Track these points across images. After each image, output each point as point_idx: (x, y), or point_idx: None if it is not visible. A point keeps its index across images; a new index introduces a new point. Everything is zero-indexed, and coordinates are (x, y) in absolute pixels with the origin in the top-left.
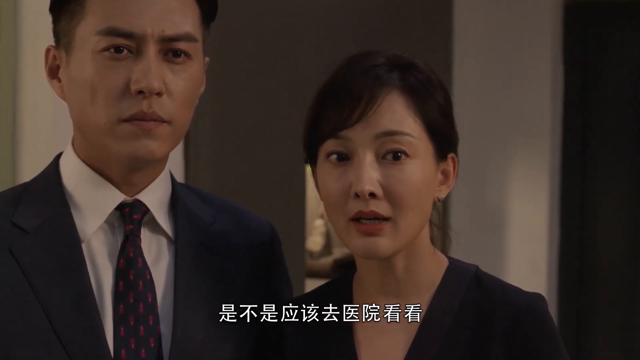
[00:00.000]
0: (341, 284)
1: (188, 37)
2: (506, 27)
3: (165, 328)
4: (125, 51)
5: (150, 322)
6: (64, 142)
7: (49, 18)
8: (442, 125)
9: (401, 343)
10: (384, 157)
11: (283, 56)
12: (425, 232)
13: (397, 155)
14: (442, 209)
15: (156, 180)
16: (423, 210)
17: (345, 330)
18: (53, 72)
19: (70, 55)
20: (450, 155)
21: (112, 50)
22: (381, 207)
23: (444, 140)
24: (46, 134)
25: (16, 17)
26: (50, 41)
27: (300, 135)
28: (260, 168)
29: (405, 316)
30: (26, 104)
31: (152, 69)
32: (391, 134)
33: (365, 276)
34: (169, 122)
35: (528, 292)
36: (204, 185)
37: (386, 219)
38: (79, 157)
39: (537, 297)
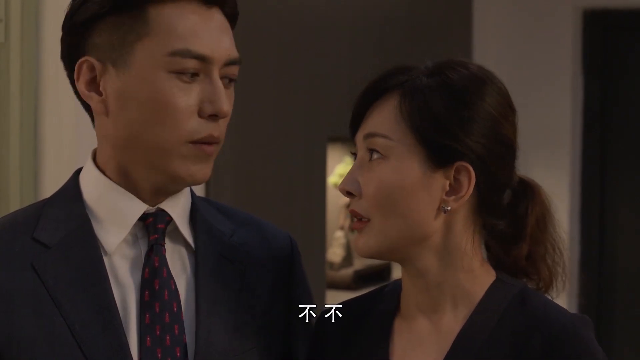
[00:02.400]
0: (394, 290)
1: (240, 61)
2: (526, 37)
3: (190, 338)
4: (193, 74)
5: (176, 331)
6: (87, 156)
7: None
8: (433, 133)
9: (434, 357)
10: (370, 158)
11: (304, 70)
12: (457, 244)
13: (371, 156)
14: (562, 242)
15: (180, 191)
16: (407, 214)
17: (382, 339)
18: (90, 85)
19: (125, 70)
20: (459, 164)
21: (186, 73)
22: (360, 207)
23: (439, 147)
24: (69, 148)
25: (38, 30)
26: None
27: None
28: (281, 180)
29: (441, 330)
30: (49, 118)
31: (223, 93)
32: (370, 135)
33: (405, 286)
34: (218, 144)
35: (572, 313)
36: (226, 198)
37: (367, 219)
38: (102, 171)
39: (582, 319)
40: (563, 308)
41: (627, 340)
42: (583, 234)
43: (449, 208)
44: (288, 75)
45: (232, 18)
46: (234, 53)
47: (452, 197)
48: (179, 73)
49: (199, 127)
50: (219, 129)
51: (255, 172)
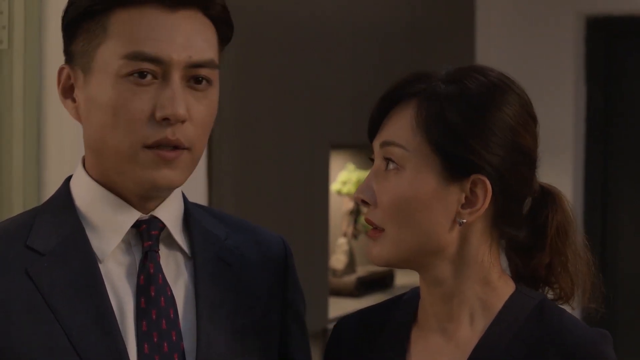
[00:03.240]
0: (411, 298)
1: (211, 64)
2: (528, 44)
3: (188, 343)
4: (150, 76)
5: (174, 338)
6: None
7: None
8: (448, 143)
9: None
10: (385, 166)
11: (307, 76)
12: (474, 255)
13: (387, 166)
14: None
15: (170, 197)
16: (421, 225)
17: (399, 351)
18: (67, 92)
19: (89, 76)
20: (475, 177)
21: (137, 75)
22: (374, 216)
23: (455, 159)
24: (71, 154)
25: (41, 36)
26: None
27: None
28: (283, 187)
29: (458, 342)
30: (51, 124)
31: (178, 96)
32: (386, 144)
33: (422, 295)
34: (189, 149)
35: (590, 328)
36: (228, 204)
37: (382, 228)
38: (92, 177)
39: (600, 334)
40: (581, 321)
41: (630, 345)
42: (585, 239)
43: (464, 221)
44: (291, 83)
45: (220, 22)
46: (199, 55)
47: (468, 210)
48: (134, 76)
49: (152, 131)
50: (180, 134)
51: (258, 179)
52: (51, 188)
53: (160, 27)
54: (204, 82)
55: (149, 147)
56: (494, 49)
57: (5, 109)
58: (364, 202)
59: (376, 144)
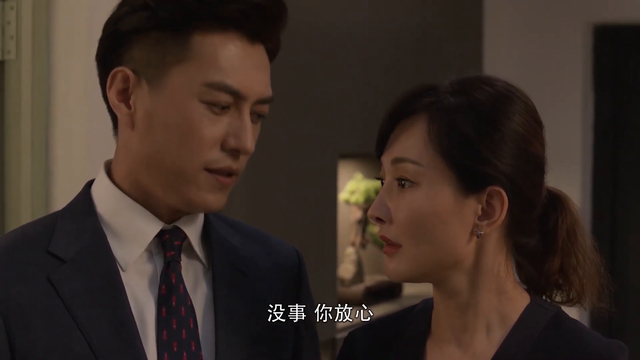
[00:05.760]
0: (424, 310)
1: (272, 100)
2: (536, 53)
3: (206, 354)
4: (224, 107)
5: (193, 348)
6: (97, 171)
7: (82, 47)
8: (464, 158)
9: None
10: (398, 184)
11: (315, 86)
12: (490, 266)
13: (401, 183)
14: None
15: None
16: (440, 240)
17: None
18: (121, 96)
19: (159, 90)
20: (491, 188)
21: (215, 105)
22: (390, 232)
23: (471, 172)
24: (80, 164)
25: (49, 47)
26: (84, 71)
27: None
28: (292, 196)
29: (474, 354)
30: (60, 134)
31: (250, 131)
32: (398, 161)
33: (436, 306)
34: (237, 176)
35: (608, 340)
36: (237, 213)
37: (399, 245)
38: (118, 185)
39: (617, 345)
40: (598, 334)
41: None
42: (593, 240)
43: (482, 232)
44: (299, 92)
45: (272, 55)
46: (267, 92)
47: (485, 222)
48: (211, 104)
49: (219, 158)
50: (238, 164)
51: (267, 188)
52: (59, 199)
53: (243, 59)
54: (260, 116)
55: (209, 170)
56: (502, 58)
57: (13, 119)
58: (378, 219)
59: (386, 160)
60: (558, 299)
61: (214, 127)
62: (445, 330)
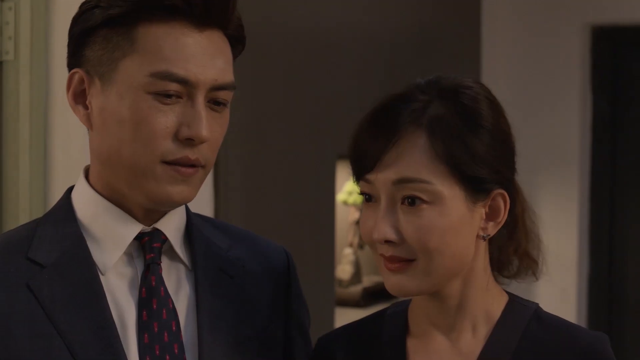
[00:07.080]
0: (398, 312)
1: (232, 87)
2: (534, 54)
3: (190, 356)
4: (174, 96)
5: (176, 350)
6: None
7: None
8: (473, 169)
9: None
10: (402, 202)
11: (313, 87)
12: (481, 265)
13: (412, 202)
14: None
15: (173, 210)
16: (454, 251)
17: None
18: (78, 97)
19: (109, 86)
20: (496, 192)
21: (163, 94)
22: (403, 251)
23: (479, 181)
24: (78, 165)
25: (47, 48)
26: None
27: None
28: (290, 197)
29: (461, 350)
30: (58, 135)
31: (203, 118)
32: (405, 181)
33: (419, 308)
34: (203, 167)
35: (593, 332)
36: (235, 215)
37: (411, 260)
38: (95, 189)
39: (603, 337)
40: (580, 326)
41: (637, 352)
42: (592, 250)
43: (489, 235)
44: (297, 93)
45: (235, 40)
46: (223, 78)
47: (491, 224)
48: (159, 94)
49: (173, 149)
50: (199, 153)
51: (264, 189)
52: (57, 199)
53: (189, 47)
54: (222, 104)
55: (166, 162)
56: (500, 59)
57: (11, 120)
58: (388, 242)
59: (382, 179)
60: (511, 271)
61: (165, 118)
62: (428, 327)
